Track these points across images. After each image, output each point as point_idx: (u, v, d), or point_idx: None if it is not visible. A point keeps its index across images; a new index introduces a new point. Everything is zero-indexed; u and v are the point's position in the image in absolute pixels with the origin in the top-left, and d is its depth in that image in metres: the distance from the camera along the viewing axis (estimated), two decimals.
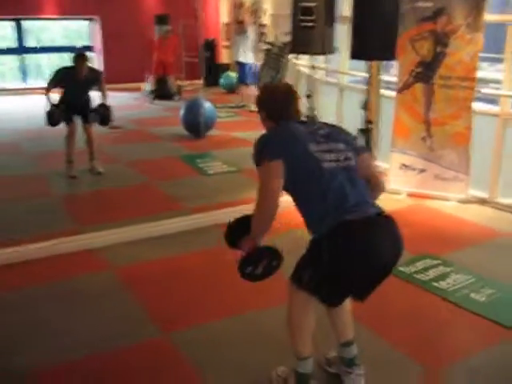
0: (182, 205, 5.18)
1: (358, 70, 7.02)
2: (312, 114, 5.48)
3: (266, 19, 12.30)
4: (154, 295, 3.56)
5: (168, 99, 11.02)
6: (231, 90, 11.61)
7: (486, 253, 4.24)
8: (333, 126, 2.60)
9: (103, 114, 5.94)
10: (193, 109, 7.80)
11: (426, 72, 5.18)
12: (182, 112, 7.87)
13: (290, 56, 9.63)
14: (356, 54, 4.66)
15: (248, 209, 4.83)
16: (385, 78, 5.29)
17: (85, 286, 3.66)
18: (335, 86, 6.97)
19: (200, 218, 4.68)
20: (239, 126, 8.74)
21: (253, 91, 10.10)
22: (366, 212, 2.29)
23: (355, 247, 2.23)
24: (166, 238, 4.41)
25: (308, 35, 5.09)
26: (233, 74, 11.70)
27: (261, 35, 12.06)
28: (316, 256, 2.30)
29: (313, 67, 7.31)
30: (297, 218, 2.48)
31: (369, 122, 4.65)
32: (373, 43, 4.52)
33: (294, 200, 2.43)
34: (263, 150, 2.37)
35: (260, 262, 2.41)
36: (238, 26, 10.18)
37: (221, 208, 4.89)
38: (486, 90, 5.30)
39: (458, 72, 5.03)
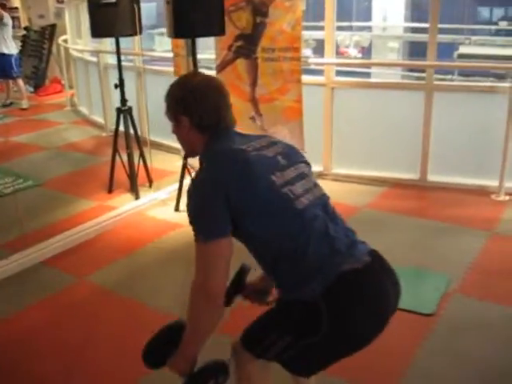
0: None
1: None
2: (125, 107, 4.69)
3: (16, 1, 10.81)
4: None
5: None
6: None
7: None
8: (274, 139, 1.91)
9: None
10: None
11: (246, 45, 4.73)
12: None
13: (60, 41, 8.48)
14: (178, 32, 3.98)
15: (76, 232, 4.11)
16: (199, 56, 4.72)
17: None
18: (131, 70, 6.17)
19: (22, 258, 3.66)
20: (17, 129, 7.39)
21: (22, 86, 8.72)
22: (362, 257, 1.68)
23: (366, 305, 1.65)
24: None
25: (111, 15, 4.25)
26: None
27: (13, 20, 10.54)
28: (304, 323, 1.64)
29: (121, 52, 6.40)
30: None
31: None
32: (196, 18, 3.89)
33: (257, 257, 1.75)
34: (198, 216, 1.65)
35: None
36: None
37: (41, 237, 3.92)
38: (312, 60, 5.04)
39: (280, 43, 4.66)
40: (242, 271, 2.00)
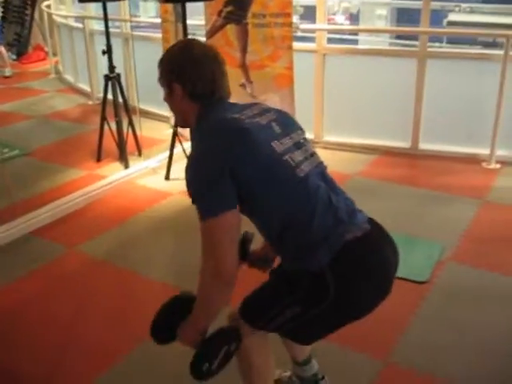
0: None
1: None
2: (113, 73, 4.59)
3: None
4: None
5: None
6: None
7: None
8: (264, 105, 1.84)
9: None
10: None
11: (237, 11, 4.62)
12: None
13: (43, 6, 8.26)
14: None
15: (65, 202, 4.03)
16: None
17: None
18: (118, 36, 6.02)
19: (11, 228, 3.60)
20: (0, 97, 7.24)
21: (4, 53, 8.52)
22: (362, 225, 1.66)
23: (369, 273, 1.64)
24: None
25: None
26: None
27: None
28: (311, 292, 1.62)
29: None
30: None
31: None
32: None
33: (261, 227, 1.72)
34: (199, 192, 1.58)
35: (218, 355, 1.67)
36: None
37: (30, 207, 3.85)
38: (303, 26, 4.96)
39: (271, 8, 4.56)
40: (245, 240, 1.97)
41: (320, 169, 1.73)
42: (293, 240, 1.63)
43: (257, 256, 1.99)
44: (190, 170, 1.61)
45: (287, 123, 1.76)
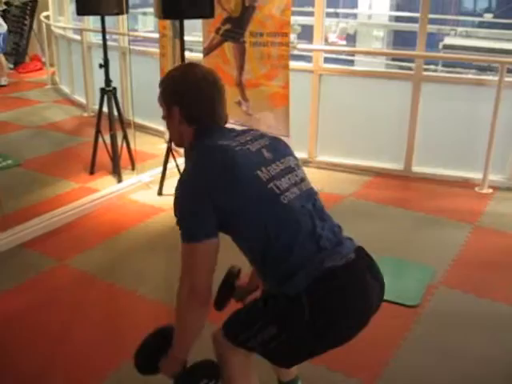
0: None
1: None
2: (109, 86, 4.59)
3: None
4: None
5: None
6: None
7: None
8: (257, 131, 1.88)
9: None
10: None
11: (234, 29, 4.65)
12: None
13: (42, 17, 8.29)
14: (166, 13, 3.90)
15: (57, 214, 4.01)
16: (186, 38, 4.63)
17: None
18: (115, 49, 6.04)
19: (0, 240, 3.57)
20: None
21: (4, 62, 8.52)
22: (347, 254, 1.68)
23: (345, 303, 1.64)
24: None
25: None
26: None
27: None
28: (287, 316, 1.64)
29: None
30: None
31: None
32: None
33: (246, 253, 1.74)
34: (182, 217, 1.64)
35: None
36: None
37: (21, 219, 3.83)
38: (301, 46, 4.99)
39: (269, 27, 4.60)
40: (230, 275, 2.01)
41: (309, 195, 1.74)
42: (273, 266, 1.65)
43: (244, 290, 2.03)
44: (176, 194, 1.66)
45: (278, 149, 1.78)
